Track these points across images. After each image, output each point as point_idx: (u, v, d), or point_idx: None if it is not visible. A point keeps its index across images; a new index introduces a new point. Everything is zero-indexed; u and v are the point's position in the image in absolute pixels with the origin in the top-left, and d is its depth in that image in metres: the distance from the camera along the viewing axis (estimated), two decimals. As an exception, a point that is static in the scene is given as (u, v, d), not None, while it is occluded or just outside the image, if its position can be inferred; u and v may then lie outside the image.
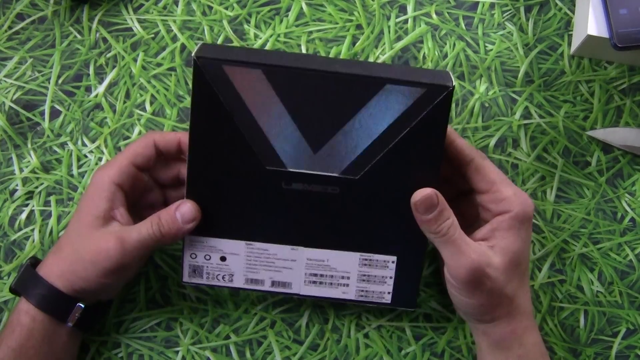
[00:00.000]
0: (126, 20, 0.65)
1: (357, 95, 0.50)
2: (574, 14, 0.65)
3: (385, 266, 0.53)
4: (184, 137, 0.54)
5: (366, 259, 0.53)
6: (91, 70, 0.64)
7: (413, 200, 0.50)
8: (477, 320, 0.52)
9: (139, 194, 0.55)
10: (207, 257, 0.53)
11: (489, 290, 0.50)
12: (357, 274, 0.53)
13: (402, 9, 0.65)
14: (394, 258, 0.53)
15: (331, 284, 0.54)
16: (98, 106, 0.63)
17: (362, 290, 0.54)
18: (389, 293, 0.54)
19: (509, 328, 0.51)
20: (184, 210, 0.51)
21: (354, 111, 0.50)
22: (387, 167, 0.51)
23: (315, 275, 0.53)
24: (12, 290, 0.53)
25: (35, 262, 0.54)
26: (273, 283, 0.53)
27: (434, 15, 0.65)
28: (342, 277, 0.53)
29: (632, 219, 0.61)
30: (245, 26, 0.65)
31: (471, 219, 0.54)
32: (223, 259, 0.53)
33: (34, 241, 0.61)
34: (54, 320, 0.52)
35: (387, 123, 0.50)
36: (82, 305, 0.53)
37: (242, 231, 0.52)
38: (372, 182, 0.51)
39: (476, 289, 0.50)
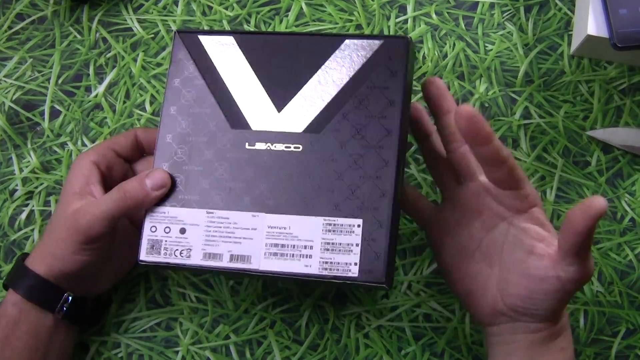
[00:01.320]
0: (126, 20, 0.65)
1: (318, 52, 0.52)
2: (573, 14, 0.65)
3: (351, 231, 0.49)
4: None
5: (330, 224, 0.50)
6: (91, 70, 0.64)
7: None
8: (544, 320, 0.49)
9: (118, 178, 0.55)
10: (167, 230, 0.51)
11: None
12: (320, 242, 0.50)
13: (402, 9, 0.65)
14: (359, 221, 0.49)
15: (293, 255, 0.50)
16: (98, 106, 0.63)
17: (327, 262, 0.50)
18: (355, 264, 0.49)
19: (563, 318, 0.50)
20: (154, 176, 0.51)
21: (315, 68, 0.51)
22: (348, 121, 0.51)
23: (277, 245, 0.50)
24: (4, 285, 0.53)
25: (25, 256, 0.54)
26: (232, 257, 0.51)
27: (434, 15, 0.65)
28: (305, 247, 0.50)
29: (632, 219, 0.61)
30: (245, 26, 0.65)
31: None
32: (182, 231, 0.51)
33: (34, 241, 0.61)
34: (40, 311, 0.52)
35: (348, 77, 0.51)
36: (70, 297, 0.53)
37: (204, 198, 0.51)
38: (334, 138, 0.50)
39: (583, 260, 0.46)
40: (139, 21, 0.65)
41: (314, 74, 0.51)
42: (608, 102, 0.63)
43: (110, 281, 0.57)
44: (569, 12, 0.65)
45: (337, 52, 0.51)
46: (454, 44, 0.64)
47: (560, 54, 0.64)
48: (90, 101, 0.63)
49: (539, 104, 0.63)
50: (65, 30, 0.65)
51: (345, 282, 0.49)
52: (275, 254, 0.50)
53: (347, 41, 0.51)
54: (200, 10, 0.65)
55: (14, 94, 0.63)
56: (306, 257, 0.50)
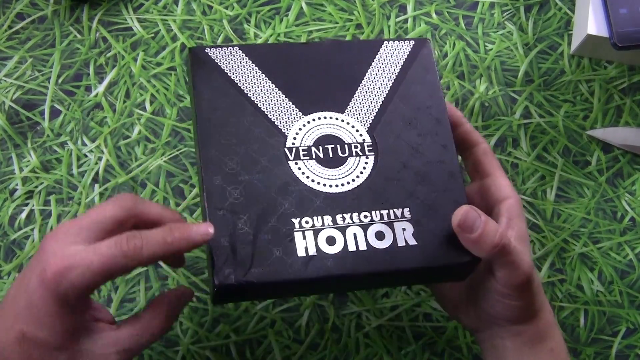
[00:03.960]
0: (126, 20, 0.65)
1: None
2: (573, 13, 0.65)
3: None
4: (166, 214, 0.48)
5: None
6: (91, 70, 0.64)
7: (454, 223, 0.47)
8: (517, 322, 0.50)
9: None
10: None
11: (536, 286, 0.49)
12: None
13: (402, 9, 0.65)
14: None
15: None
16: (98, 106, 0.63)
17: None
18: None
19: (544, 319, 0.50)
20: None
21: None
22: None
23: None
24: None
25: None
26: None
27: (434, 15, 0.65)
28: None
29: (632, 219, 0.61)
30: (245, 26, 0.65)
31: None
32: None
33: (34, 240, 0.61)
34: None
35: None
36: None
37: None
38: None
39: (527, 289, 0.48)
40: (139, 21, 0.65)
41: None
42: (608, 101, 0.63)
43: None
44: (569, 12, 0.65)
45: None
46: (454, 44, 0.64)
47: (561, 54, 0.64)
48: (90, 101, 0.63)
49: (539, 104, 0.63)
50: (66, 29, 0.65)
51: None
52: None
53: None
54: (200, 10, 0.65)
55: (14, 93, 0.63)
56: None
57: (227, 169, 0.48)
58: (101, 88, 0.63)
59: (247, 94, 0.50)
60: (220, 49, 0.51)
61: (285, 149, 0.49)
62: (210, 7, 0.65)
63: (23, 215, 0.61)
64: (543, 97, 0.63)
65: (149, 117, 0.63)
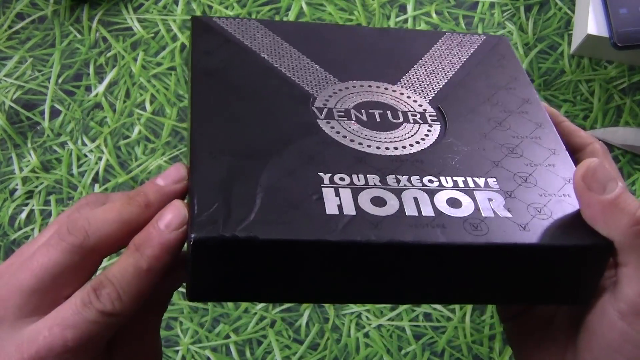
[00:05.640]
0: (126, 20, 0.65)
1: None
2: (573, 13, 0.65)
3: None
4: (124, 213, 0.33)
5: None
6: (91, 70, 0.64)
7: (578, 175, 0.32)
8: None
9: None
10: None
11: None
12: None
13: (402, 9, 0.65)
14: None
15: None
16: (98, 105, 0.63)
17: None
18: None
19: None
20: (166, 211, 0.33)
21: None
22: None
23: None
24: None
25: None
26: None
27: (434, 15, 0.65)
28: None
29: (632, 219, 0.62)
30: (245, 26, 0.65)
31: None
32: None
33: (33, 240, 0.61)
34: None
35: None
36: None
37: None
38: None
39: None
40: (139, 20, 0.65)
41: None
42: (608, 101, 0.63)
43: None
44: (569, 12, 0.65)
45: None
46: (454, 44, 0.64)
47: (561, 54, 0.64)
48: (90, 100, 0.63)
49: (539, 104, 0.63)
50: (66, 29, 0.65)
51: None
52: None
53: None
54: (200, 10, 0.65)
55: (14, 93, 0.63)
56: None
57: (225, 116, 0.36)
58: (101, 88, 0.63)
59: (264, 57, 0.40)
60: (232, 19, 0.42)
61: (314, 108, 0.37)
62: (211, 7, 0.65)
63: (23, 215, 0.61)
64: (543, 97, 0.63)
65: (149, 117, 0.63)
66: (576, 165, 0.35)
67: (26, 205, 0.61)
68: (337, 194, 0.32)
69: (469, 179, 0.35)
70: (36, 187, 0.62)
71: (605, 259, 0.32)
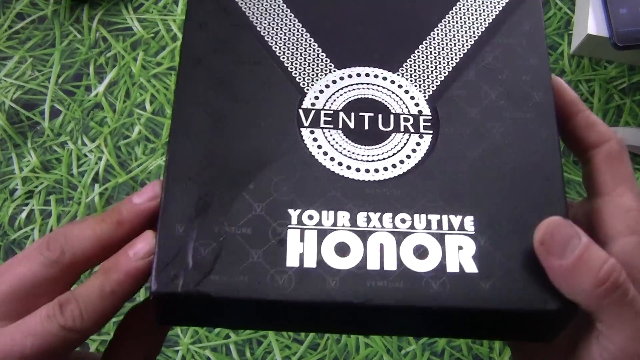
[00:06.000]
0: (126, 20, 0.65)
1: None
2: (573, 13, 0.65)
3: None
4: (101, 231, 0.34)
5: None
6: (91, 70, 0.64)
7: (536, 239, 0.31)
8: None
9: None
10: None
11: None
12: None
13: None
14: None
15: None
16: (98, 105, 0.63)
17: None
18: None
19: None
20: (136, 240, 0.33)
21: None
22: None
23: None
24: None
25: None
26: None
27: (434, 15, 0.65)
28: None
29: (632, 219, 0.62)
30: (245, 25, 0.65)
31: None
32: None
33: (33, 240, 0.61)
34: None
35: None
36: None
37: None
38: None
39: None
40: (139, 20, 0.65)
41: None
42: (608, 101, 0.63)
43: None
44: (569, 12, 0.65)
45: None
46: (454, 44, 0.64)
47: (561, 54, 0.64)
48: (90, 100, 0.63)
49: (539, 104, 0.63)
50: (65, 29, 0.65)
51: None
52: None
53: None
54: (200, 10, 0.65)
55: (14, 93, 0.63)
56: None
57: (199, 127, 0.34)
58: (101, 88, 0.63)
59: (260, 32, 0.37)
60: None
61: (300, 110, 0.35)
62: (210, 7, 0.65)
63: (23, 215, 0.61)
64: (543, 97, 0.63)
65: (149, 117, 0.63)
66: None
67: (26, 205, 0.61)
68: (302, 239, 0.32)
69: (444, 218, 0.33)
70: (36, 187, 0.62)
71: (570, 318, 0.31)
